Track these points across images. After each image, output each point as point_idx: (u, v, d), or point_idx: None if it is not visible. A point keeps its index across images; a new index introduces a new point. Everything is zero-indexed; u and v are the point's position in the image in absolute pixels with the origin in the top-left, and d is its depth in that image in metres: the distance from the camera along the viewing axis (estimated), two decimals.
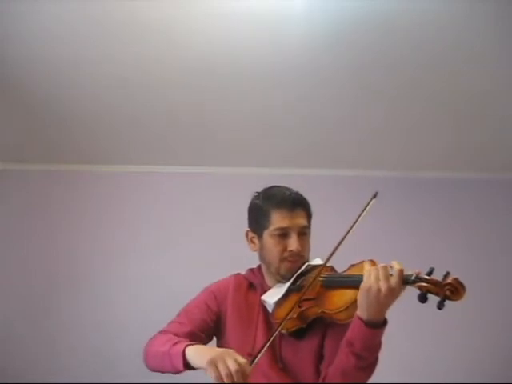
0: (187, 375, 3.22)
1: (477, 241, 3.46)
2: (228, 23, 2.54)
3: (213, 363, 1.28)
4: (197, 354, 1.37)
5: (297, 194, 1.63)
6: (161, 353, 1.47)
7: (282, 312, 1.50)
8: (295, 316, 1.48)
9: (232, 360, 1.28)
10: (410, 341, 3.15)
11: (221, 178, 3.50)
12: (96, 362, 3.22)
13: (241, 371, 1.27)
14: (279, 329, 1.42)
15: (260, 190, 1.69)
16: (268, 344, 1.39)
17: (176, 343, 1.44)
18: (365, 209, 1.53)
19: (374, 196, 1.55)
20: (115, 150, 3.40)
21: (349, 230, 1.48)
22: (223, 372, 1.26)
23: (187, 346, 1.40)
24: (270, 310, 1.56)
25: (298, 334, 1.51)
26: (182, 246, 3.39)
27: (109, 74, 2.84)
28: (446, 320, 3.12)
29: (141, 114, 3.12)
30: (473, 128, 3.15)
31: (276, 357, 1.52)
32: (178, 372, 1.44)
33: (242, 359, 1.29)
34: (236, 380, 1.26)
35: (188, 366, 1.39)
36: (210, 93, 2.94)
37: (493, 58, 2.69)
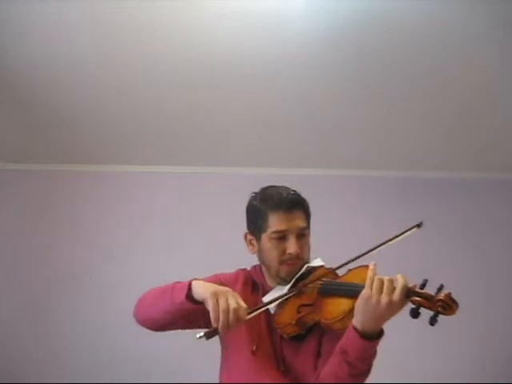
0: (188, 375, 3.21)
1: (477, 241, 3.46)
2: (228, 23, 2.54)
3: (215, 295, 1.31)
4: (203, 285, 1.40)
5: (294, 193, 1.60)
6: (161, 291, 1.50)
7: (282, 316, 1.51)
8: (294, 322, 1.48)
9: (234, 299, 1.31)
10: (410, 340, 3.15)
11: (221, 178, 3.50)
12: (95, 362, 3.23)
13: (238, 312, 1.29)
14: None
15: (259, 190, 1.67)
16: (263, 307, 1.41)
17: (180, 282, 1.47)
18: (402, 233, 1.49)
19: (419, 226, 1.52)
20: (115, 150, 3.40)
21: (374, 248, 1.45)
22: (221, 306, 1.29)
23: (194, 279, 1.43)
24: (271, 312, 1.56)
25: (299, 338, 1.51)
26: (182, 245, 3.39)
27: (109, 73, 2.84)
28: (445, 319, 3.12)
29: (141, 114, 3.11)
30: (473, 128, 3.15)
31: (278, 360, 1.52)
32: (173, 307, 1.43)
33: (243, 303, 1.32)
34: (230, 318, 1.28)
35: (190, 299, 1.39)
36: (210, 93, 2.94)
37: (493, 58, 2.69)
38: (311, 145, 3.31)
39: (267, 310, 1.57)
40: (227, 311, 1.28)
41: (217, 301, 1.30)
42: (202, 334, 1.27)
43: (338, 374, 1.37)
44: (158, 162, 3.49)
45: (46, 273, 3.37)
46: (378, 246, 1.45)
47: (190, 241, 3.39)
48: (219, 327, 1.28)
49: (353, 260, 1.44)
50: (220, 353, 1.64)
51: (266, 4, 2.45)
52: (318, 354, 1.50)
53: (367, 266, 1.41)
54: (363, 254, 1.44)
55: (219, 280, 1.63)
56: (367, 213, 3.38)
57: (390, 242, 1.47)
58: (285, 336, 1.51)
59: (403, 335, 2.96)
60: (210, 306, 1.30)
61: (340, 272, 1.55)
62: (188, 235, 3.41)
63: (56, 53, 2.71)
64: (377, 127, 3.18)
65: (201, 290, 1.38)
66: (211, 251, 3.28)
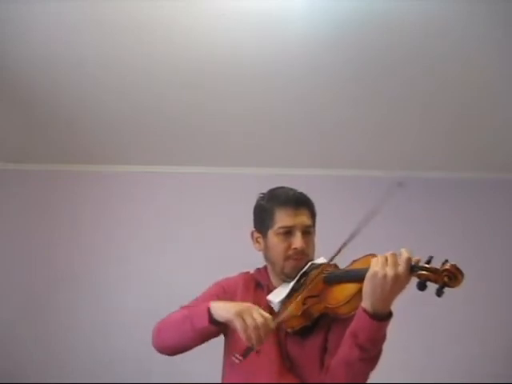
0: (188, 375, 3.21)
1: (477, 241, 3.46)
2: (228, 23, 2.54)
3: (240, 315, 1.35)
4: (223, 306, 1.43)
5: (301, 193, 1.66)
6: (179, 319, 1.52)
7: (287, 311, 1.51)
8: (299, 314, 1.49)
9: (258, 313, 1.35)
10: (410, 339, 3.15)
11: (221, 178, 3.50)
12: (95, 362, 3.23)
13: (266, 325, 1.33)
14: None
15: (260, 189, 1.71)
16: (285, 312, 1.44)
17: (196, 306, 1.51)
18: (385, 199, 1.50)
19: (399, 184, 1.54)
20: (115, 150, 3.40)
21: (361, 226, 1.47)
22: (250, 323, 1.32)
23: (211, 303, 1.47)
24: (275, 310, 1.56)
25: (304, 332, 1.52)
26: (182, 245, 3.39)
27: (109, 73, 2.84)
28: (445, 320, 3.12)
29: (141, 114, 3.12)
30: (473, 128, 3.15)
31: (283, 356, 1.52)
32: (196, 333, 1.46)
33: (267, 314, 1.36)
34: (262, 333, 1.32)
35: (213, 322, 1.43)
36: (210, 93, 2.94)
37: (493, 58, 2.69)
38: (311, 145, 3.31)
39: (271, 307, 1.58)
40: (257, 327, 1.32)
41: (243, 319, 1.33)
42: (240, 358, 1.33)
43: (349, 359, 1.37)
44: (158, 162, 3.49)
45: (46, 273, 3.37)
46: (365, 222, 1.46)
47: (190, 241, 3.39)
48: (254, 344, 1.32)
49: (348, 241, 1.44)
50: (220, 353, 1.64)
51: (266, 4, 2.45)
52: (324, 350, 1.51)
53: (372, 255, 1.43)
54: (354, 235, 1.44)
55: (222, 288, 1.66)
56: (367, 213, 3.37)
57: (375, 212, 1.48)
58: (289, 330, 1.51)
59: (403, 334, 2.97)
60: (238, 327, 1.34)
61: (343, 265, 1.56)
62: (188, 235, 3.41)
63: (56, 53, 2.71)
64: (377, 127, 3.18)
65: (222, 312, 1.41)
66: (211, 251, 3.28)
